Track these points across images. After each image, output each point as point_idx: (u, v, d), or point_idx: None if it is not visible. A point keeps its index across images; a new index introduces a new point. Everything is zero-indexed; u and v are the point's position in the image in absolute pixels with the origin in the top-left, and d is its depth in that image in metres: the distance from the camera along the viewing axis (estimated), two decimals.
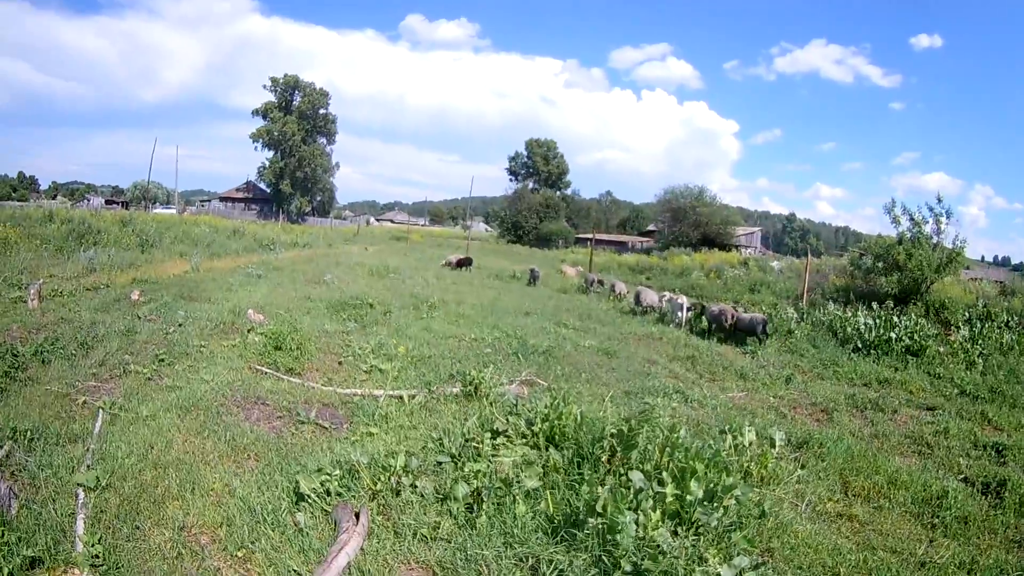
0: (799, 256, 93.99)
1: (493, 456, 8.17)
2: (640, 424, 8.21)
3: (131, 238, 32.96)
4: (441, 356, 14.46)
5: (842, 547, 7.24)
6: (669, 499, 6.71)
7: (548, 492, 7.21)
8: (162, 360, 12.20)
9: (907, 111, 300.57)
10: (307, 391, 11.39)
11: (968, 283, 36.39)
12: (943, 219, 32.29)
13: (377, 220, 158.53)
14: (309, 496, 7.17)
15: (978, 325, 23.16)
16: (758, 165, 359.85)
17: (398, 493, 7.40)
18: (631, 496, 6.63)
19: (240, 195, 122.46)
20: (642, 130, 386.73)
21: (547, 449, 8.39)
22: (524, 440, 8.68)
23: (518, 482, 7.44)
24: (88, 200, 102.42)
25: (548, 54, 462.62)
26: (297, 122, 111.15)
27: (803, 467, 9.42)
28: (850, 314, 23.58)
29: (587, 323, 22.11)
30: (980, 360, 18.28)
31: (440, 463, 8.15)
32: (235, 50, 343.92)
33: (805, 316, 24.10)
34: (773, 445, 9.80)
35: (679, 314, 23.79)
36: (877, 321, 21.61)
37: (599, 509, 6.36)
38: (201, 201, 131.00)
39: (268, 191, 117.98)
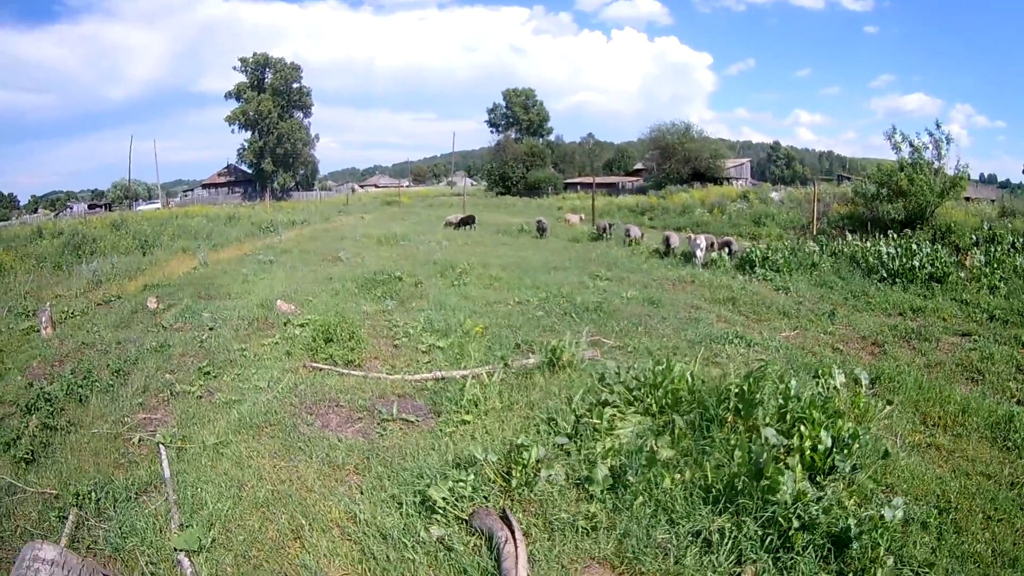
0: (787, 184, 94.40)
1: (609, 431, 7.68)
2: (759, 380, 7.76)
3: (128, 241, 31.99)
4: (496, 325, 13.71)
5: (943, 476, 7.32)
6: (806, 452, 6.67)
7: (693, 459, 6.91)
8: (207, 373, 11.19)
9: (881, 34, 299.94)
10: (376, 383, 10.48)
11: (969, 205, 36.60)
12: (943, 144, 32.46)
13: (361, 186, 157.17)
14: (440, 505, 6.42)
15: (989, 249, 22.59)
16: (735, 96, 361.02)
17: (532, 486, 6.77)
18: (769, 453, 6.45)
19: (222, 179, 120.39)
20: (615, 70, 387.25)
21: (660, 415, 8.00)
22: (633, 408, 8.21)
23: (649, 453, 6.87)
24: (71, 208, 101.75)
25: (514, 3, 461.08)
26: (272, 99, 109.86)
27: (889, 403, 9.23)
28: (870, 244, 23.18)
29: (617, 272, 21.63)
30: (1002, 284, 17.83)
31: (560, 445, 7.56)
32: (198, 37, 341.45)
33: (824, 247, 23.55)
34: (859, 383, 9.62)
35: (698, 253, 23.42)
36: (898, 250, 20.99)
37: (766, 472, 6.11)
38: (184, 191, 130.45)
39: (250, 171, 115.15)
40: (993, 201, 43.14)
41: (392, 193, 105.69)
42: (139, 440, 8.76)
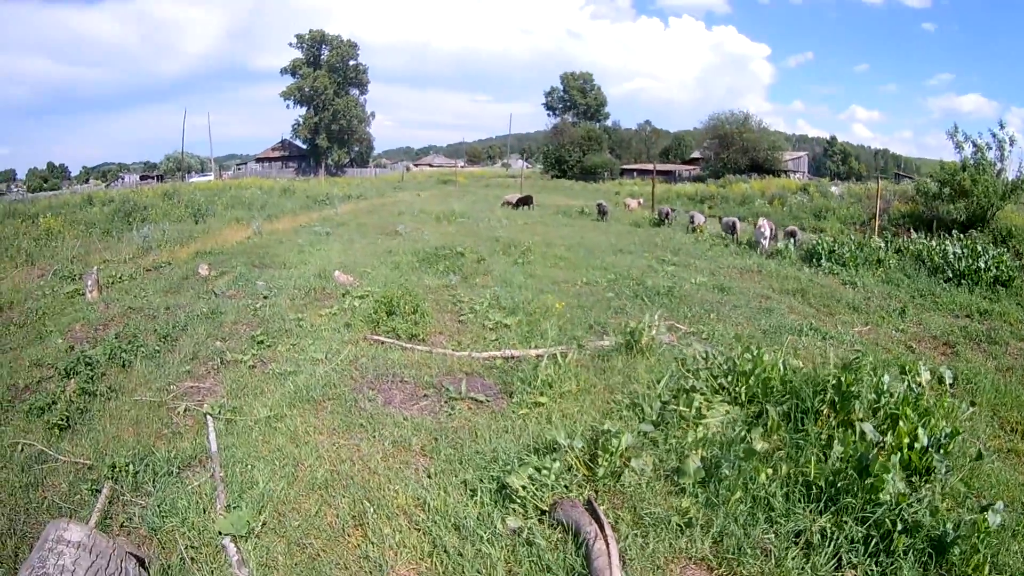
0: (843, 179, 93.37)
1: (698, 419, 7.16)
2: (856, 373, 7.44)
3: (180, 210, 31.30)
4: (565, 305, 13.00)
5: None
6: (904, 450, 6.29)
7: (787, 453, 6.56)
8: (261, 342, 10.57)
9: (939, 32, 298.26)
10: (442, 360, 9.84)
11: None
12: (1007, 145, 31.76)
13: (415, 165, 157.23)
14: (519, 494, 5.82)
15: None
16: (792, 88, 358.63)
17: (618, 476, 6.20)
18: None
19: (276, 154, 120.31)
20: (672, 58, 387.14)
21: (750, 404, 7.62)
22: (720, 397, 7.76)
23: (747, 446, 6.39)
24: (122, 179, 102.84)
25: None
26: (328, 76, 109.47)
27: (973, 403, 8.85)
28: (935, 243, 22.48)
29: (683, 257, 21.20)
30: None
31: (645, 433, 6.94)
32: (251, 14, 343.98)
33: (889, 244, 23.10)
34: (943, 383, 9.35)
35: (763, 241, 23.49)
36: (964, 251, 20.43)
37: (872, 470, 5.69)
38: (237, 164, 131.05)
39: (304, 147, 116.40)
40: None
41: (447, 172, 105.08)
42: (184, 410, 8.10)
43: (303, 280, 14.96)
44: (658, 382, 8.16)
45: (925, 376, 8.79)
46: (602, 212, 35.71)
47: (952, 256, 19.84)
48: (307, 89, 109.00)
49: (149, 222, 26.62)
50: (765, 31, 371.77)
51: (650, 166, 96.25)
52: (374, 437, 7.18)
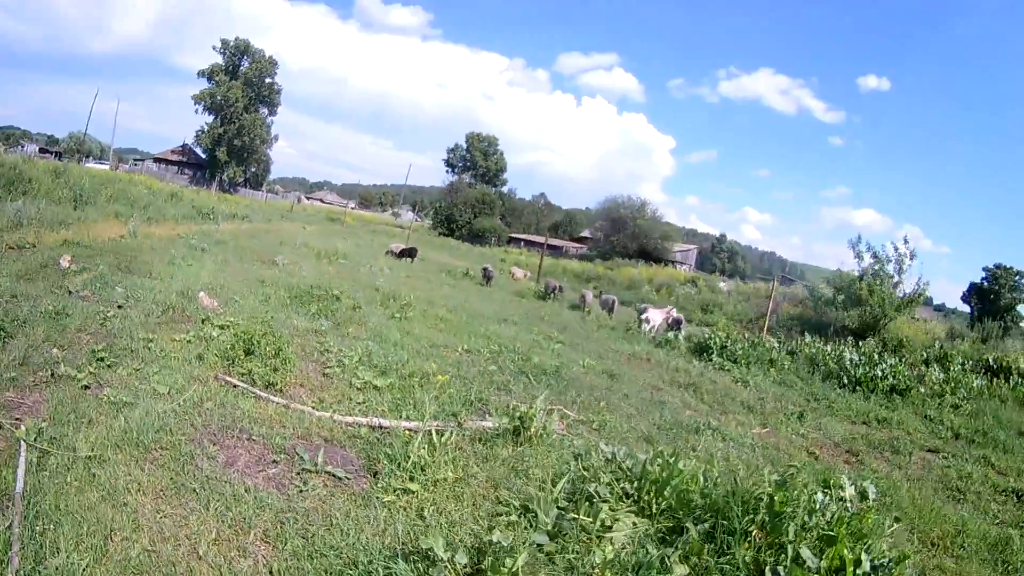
0: (728, 276, 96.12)
1: (601, 533, 6.22)
2: (789, 487, 6.74)
3: (64, 191, 29.41)
4: (442, 373, 11.65)
5: None
6: None
7: None
8: (101, 359, 9.17)
9: (846, 147, 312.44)
10: (300, 418, 8.57)
11: (916, 323, 37.56)
12: (906, 260, 33.96)
13: (308, 198, 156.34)
14: None
15: (942, 367, 23.63)
16: (690, 183, 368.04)
17: None
18: None
19: (175, 158, 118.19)
20: (579, 136, 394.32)
21: (662, 518, 6.64)
22: (627, 507, 6.76)
23: (660, 570, 5.55)
24: (22, 147, 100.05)
25: (496, 50, 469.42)
26: (242, 88, 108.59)
27: (898, 520, 8.68)
28: (830, 348, 23.66)
29: (570, 337, 21.10)
30: (965, 403, 18.73)
31: (539, 546, 5.93)
32: (189, 8, 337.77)
33: (782, 345, 24.19)
34: (865, 497, 8.60)
35: (645, 327, 24.71)
36: (862, 358, 21.51)
37: None
38: (135, 160, 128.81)
39: (204, 157, 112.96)
40: (941, 320, 46.70)
41: (337, 211, 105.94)
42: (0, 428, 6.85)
43: (164, 295, 13.44)
44: (553, 482, 7.25)
45: (849, 491, 8.39)
46: (487, 277, 35.57)
47: (849, 362, 20.59)
48: (219, 97, 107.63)
49: (29, 196, 25.21)
50: (674, 124, 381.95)
51: (539, 238, 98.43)
52: (207, 509, 5.99)
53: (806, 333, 28.95)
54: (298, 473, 7.08)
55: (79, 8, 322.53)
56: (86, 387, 8.25)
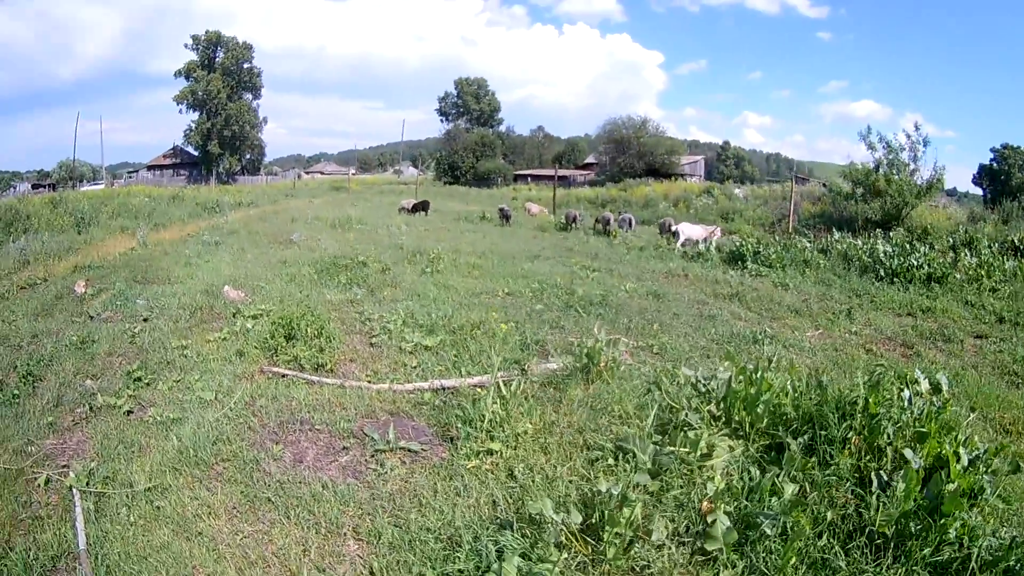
0: (738, 182, 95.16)
1: (701, 463, 5.97)
2: (879, 390, 6.53)
3: (64, 219, 29.01)
4: (489, 320, 11.38)
5: None
6: (954, 476, 5.35)
7: (819, 494, 5.57)
8: (138, 379, 8.65)
9: (835, 41, 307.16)
10: (358, 395, 8.17)
11: (936, 209, 36.38)
12: (920, 147, 33.13)
13: (307, 173, 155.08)
14: None
15: (971, 251, 22.51)
16: (684, 95, 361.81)
17: (629, 550, 4.88)
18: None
19: (168, 161, 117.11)
20: (566, 65, 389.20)
21: (758, 437, 6.40)
22: (718, 430, 6.44)
23: (771, 492, 5.32)
24: (14, 188, 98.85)
25: None
26: (221, 79, 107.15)
27: (973, 409, 8.31)
28: (861, 241, 23.10)
29: (604, 263, 20.44)
30: (1002, 286, 17.86)
31: (642, 486, 5.58)
32: (151, 16, 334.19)
33: (812, 244, 23.36)
34: (939, 390, 7.98)
35: (676, 243, 24.48)
36: (896, 249, 20.90)
37: (946, 509, 4.93)
38: (128, 172, 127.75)
39: (196, 154, 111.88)
40: (957, 204, 45.81)
41: (339, 180, 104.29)
42: (46, 481, 6.29)
43: (189, 298, 13.12)
44: (637, 416, 6.91)
45: (924, 385, 7.86)
46: (505, 217, 34.99)
47: (883, 254, 19.89)
48: (200, 93, 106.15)
49: (31, 232, 24.76)
50: (659, 39, 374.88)
51: (545, 171, 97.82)
52: (288, 519, 5.47)
53: (833, 230, 28.30)
54: (372, 455, 6.70)
55: (37, 39, 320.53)
56: (129, 412, 7.78)
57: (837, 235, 25.48)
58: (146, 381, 8.65)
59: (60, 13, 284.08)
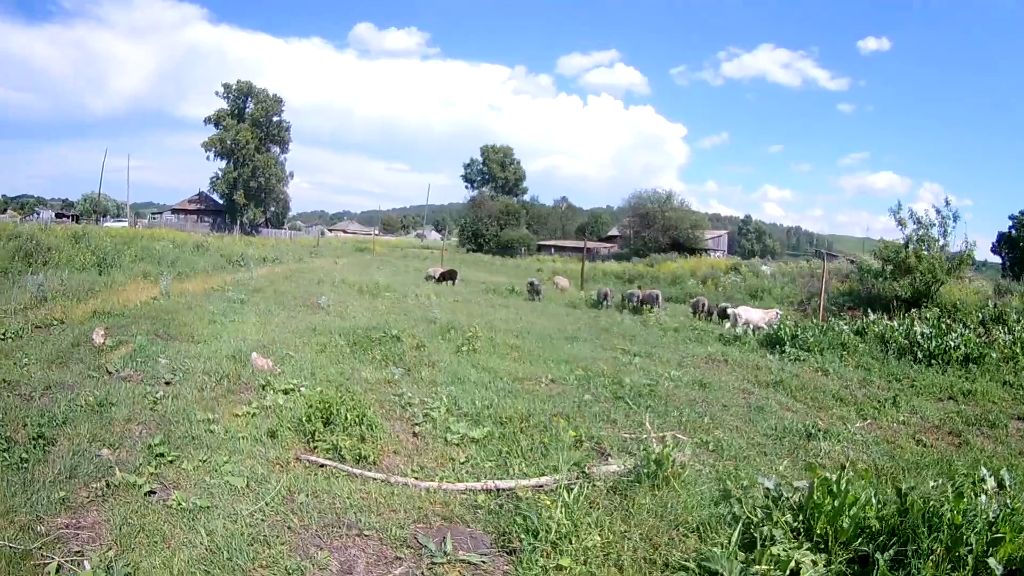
0: (759, 256, 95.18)
1: None
2: (965, 497, 6.19)
3: (86, 256, 28.25)
4: (538, 411, 10.92)
5: None
6: None
7: None
8: (160, 455, 7.80)
9: (855, 113, 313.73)
10: (406, 494, 7.45)
11: (965, 283, 36.30)
12: (950, 222, 32.63)
13: (330, 230, 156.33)
14: None
15: (999, 329, 22.77)
16: (706, 168, 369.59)
17: None
18: None
19: (192, 207, 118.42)
20: (590, 136, 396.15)
21: (840, 549, 5.92)
22: (799, 544, 5.89)
23: None
24: (38, 214, 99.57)
25: (496, 61, 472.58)
26: (251, 130, 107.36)
27: None
28: (896, 323, 22.76)
29: (642, 346, 19.68)
30: None
31: None
32: (184, 58, 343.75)
33: (848, 326, 22.94)
34: (1003, 486, 7.77)
35: (735, 327, 23.55)
36: (933, 330, 20.57)
37: None
38: (152, 214, 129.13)
39: (221, 202, 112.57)
40: (978, 275, 44.84)
41: (363, 240, 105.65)
42: (57, 569, 5.46)
43: (214, 362, 12.44)
44: (710, 528, 6.45)
45: (991, 483, 7.42)
46: (536, 292, 34.45)
47: (920, 336, 19.80)
48: (229, 142, 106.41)
49: (51, 266, 24.21)
50: (682, 112, 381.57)
51: (568, 243, 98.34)
52: None
53: (869, 311, 27.84)
54: (429, 567, 6.03)
55: (73, 69, 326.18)
56: (150, 493, 6.96)
57: (872, 316, 25.39)
58: (169, 458, 7.85)
59: (97, 46, 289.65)
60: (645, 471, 7.62)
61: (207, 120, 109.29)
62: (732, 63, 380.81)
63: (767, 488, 6.81)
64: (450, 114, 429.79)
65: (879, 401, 14.01)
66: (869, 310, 28.04)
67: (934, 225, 32.62)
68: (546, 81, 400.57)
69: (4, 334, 13.58)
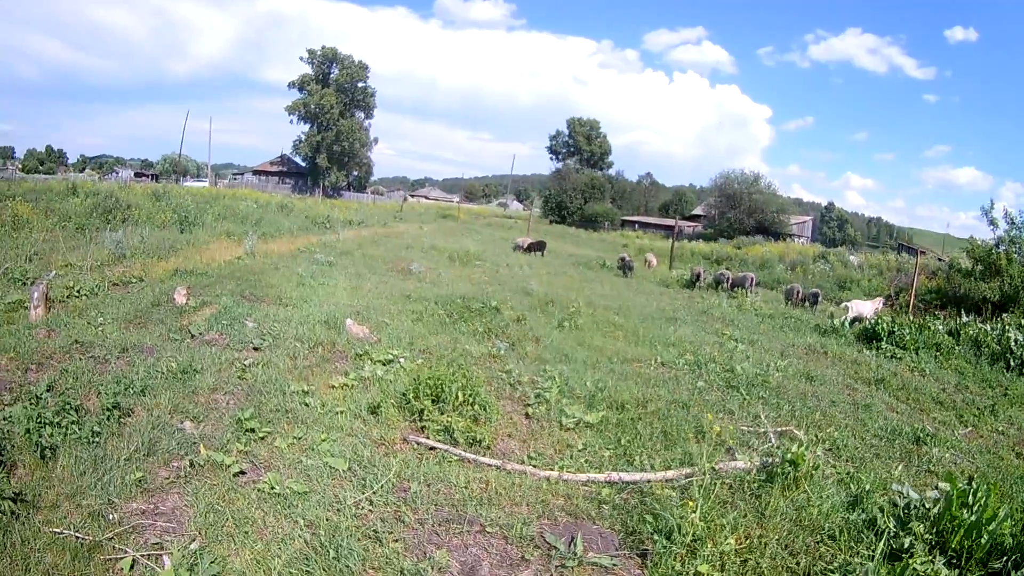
0: (838, 245, 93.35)
1: None
2: None
3: (167, 214, 27.63)
4: (654, 397, 10.54)
5: None
6: None
7: None
8: (251, 430, 7.28)
9: (940, 104, 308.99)
10: (527, 485, 6.93)
11: None
12: None
13: (412, 196, 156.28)
14: None
15: None
16: (789, 151, 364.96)
17: None
18: None
19: (275, 169, 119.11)
20: (675, 113, 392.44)
21: (976, 567, 5.80)
22: (933, 555, 5.76)
23: None
24: (116, 173, 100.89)
25: (583, 34, 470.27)
26: (335, 95, 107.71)
27: None
28: (988, 327, 21.34)
29: (743, 332, 19.25)
30: None
31: None
32: (265, 25, 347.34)
33: (943, 326, 21.73)
34: None
35: (846, 318, 22.73)
36: None
37: None
38: (233, 174, 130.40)
39: (303, 165, 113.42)
40: None
41: (446, 207, 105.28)
42: (132, 566, 4.74)
43: (307, 328, 11.81)
44: (845, 534, 6.12)
45: None
46: (628, 268, 34.06)
47: (1014, 343, 18.81)
48: (313, 106, 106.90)
49: (130, 223, 23.76)
50: (768, 93, 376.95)
51: (652, 219, 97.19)
52: None
53: (962, 312, 27.20)
54: (558, 569, 5.62)
55: (154, 36, 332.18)
56: (239, 474, 6.29)
57: (965, 318, 24.51)
58: (260, 435, 7.21)
59: (177, 12, 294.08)
60: (779, 470, 7.19)
61: (291, 85, 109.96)
62: (819, 46, 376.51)
63: (902, 495, 6.86)
64: (535, 86, 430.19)
65: (978, 408, 13.53)
66: (962, 311, 27.46)
67: None
68: (632, 56, 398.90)
69: (79, 290, 13.00)
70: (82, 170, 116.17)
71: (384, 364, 10.08)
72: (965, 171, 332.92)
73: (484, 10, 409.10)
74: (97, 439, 6.61)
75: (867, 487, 7.33)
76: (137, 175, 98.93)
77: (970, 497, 6.12)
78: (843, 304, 25.30)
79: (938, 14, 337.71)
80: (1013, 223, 31.74)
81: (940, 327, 21.21)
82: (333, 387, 9.03)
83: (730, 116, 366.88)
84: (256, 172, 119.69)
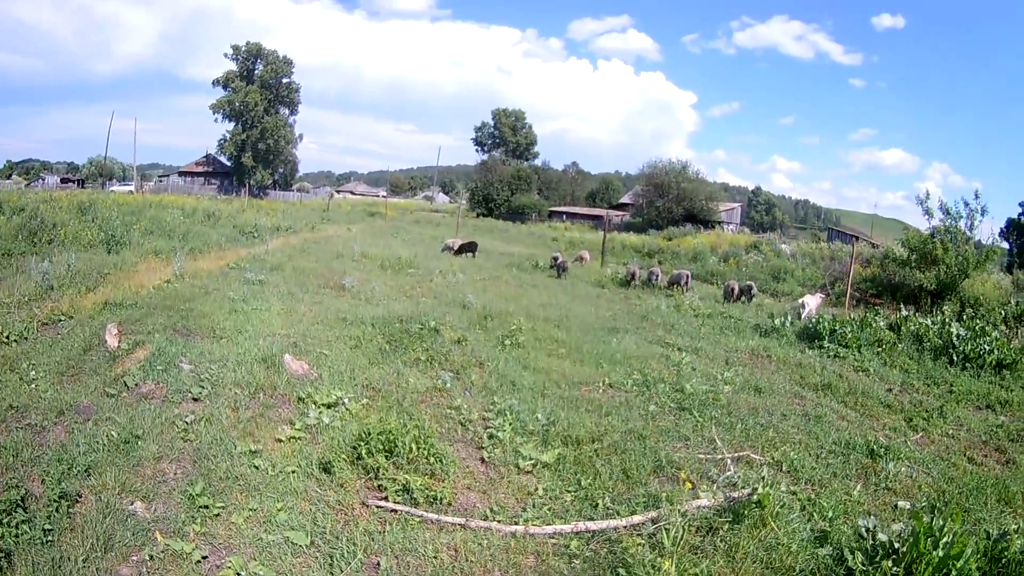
0: (769, 230, 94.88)
1: None
2: None
3: (93, 231, 26.64)
4: (608, 428, 10.47)
5: None
6: None
7: None
8: (204, 506, 6.92)
9: (867, 88, 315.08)
10: (493, 544, 6.89)
11: (988, 277, 36.12)
12: (977, 215, 32.63)
13: (338, 191, 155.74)
14: None
15: (1021, 327, 23.22)
16: (715, 137, 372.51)
17: None
18: None
19: (200, 169, 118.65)
20: (600, 101, 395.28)
21: None
22: None
23: None
24: (43, 180, 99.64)
25: (507, 24, 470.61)
26: (259, 92, 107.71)
27: None
28: (929, 321, 21.59)
29: (685, 339, 18.86)
30: None
31: None
32: (190, 21, 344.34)
33: (882, 319, 22.10)
34: None
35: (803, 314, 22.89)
36: (969, 332, 19.64)
37: None
38: (159, 176, 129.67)
39: (229, 164, 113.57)
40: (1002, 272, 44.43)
41: (372, 202, 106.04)
42: None
43: (245, 368, 11.08)
44: (818, 573, 6.46)
45: None
46: (562, 268, 33.30)
47: (956, 338, 19.05)
48: (237, 104, 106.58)
49: (56, 244, 23.05)
50: (694, 80, 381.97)
51: (580, 209, 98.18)
52: None
53: (901, 306, 26.98)
54: None
55: (77, 35, 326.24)
56: (200, 561, 6.09)
57: (905, 312, 24.24)
58: (214, 510, 6.90)
59: (101, 11, 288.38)
60: (746, 511, 7.33)
61: (215, 82, 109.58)
62: (745, 33, 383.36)
63: (867, 529, 6.97)
64: (459, 76, 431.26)
65: (927, 411, 13.64)
66: (901, 304, 27.73)
67: (962, 217, 32.66)
68: (556, 45, 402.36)
69: (8, 336, 12.31)
70: (8, 176, 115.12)
71: (329, 408, 9.79)
72: (892, 152, 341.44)
73: (408, 1, 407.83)
74: (50, 537, 6.30)
75: (830, 514, 7.58)
76: (63, 181, 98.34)
77: (936, 532, 6.27)
78: (799, 301, 25.43)
79: (865, 1, 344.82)
80: (948, 213, 32.69)
81: (881, 322, 21.45)
82: (280, 441, 8.72)
83: (655, 102, 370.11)
84: (182, 173, 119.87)
